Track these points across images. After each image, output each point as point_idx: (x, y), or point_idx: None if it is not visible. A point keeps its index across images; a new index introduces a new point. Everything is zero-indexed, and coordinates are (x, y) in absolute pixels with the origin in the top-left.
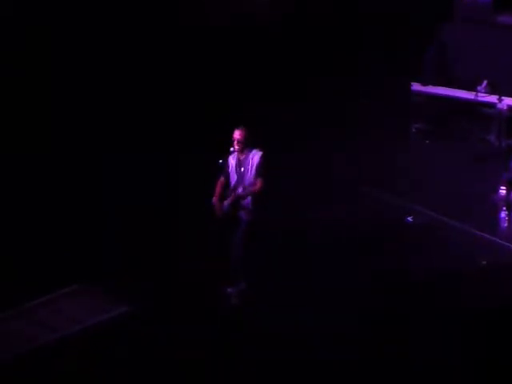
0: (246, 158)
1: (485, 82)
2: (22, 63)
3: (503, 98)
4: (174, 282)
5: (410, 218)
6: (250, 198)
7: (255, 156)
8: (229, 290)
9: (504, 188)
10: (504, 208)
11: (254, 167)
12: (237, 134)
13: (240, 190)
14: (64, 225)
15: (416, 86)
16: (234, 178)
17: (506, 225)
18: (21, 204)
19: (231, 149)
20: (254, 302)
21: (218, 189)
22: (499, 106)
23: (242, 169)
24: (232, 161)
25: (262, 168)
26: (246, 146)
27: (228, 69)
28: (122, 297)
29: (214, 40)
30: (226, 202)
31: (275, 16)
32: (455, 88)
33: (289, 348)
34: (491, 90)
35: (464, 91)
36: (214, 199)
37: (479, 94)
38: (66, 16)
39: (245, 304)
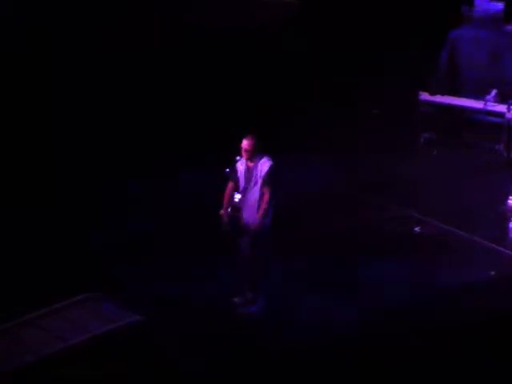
0: (255, 165)
1: (494, 92)
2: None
3: None
4: (184, 292)
5: (417, 229)
6: (255, 209)
7: (264, 165)
8: (235, 299)
9: None
10: None
11: (262, 177)
12: (245, 144)
13: (237, 199)
14: (73, 233)
15: (424, 96)
16: (242, 183)
17: None
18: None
19: (237, 157)
20: (260, 311)
21: (225, 199)
22: (508, 115)
23: (251, 176)
24: (240, 166)
25: (270, 178)
26: (254, 154)
27: (233, 75)
28: (132, 306)
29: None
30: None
31: (283, 23)
32: (464, 97)
33: (292, 358)
34: (500, 100)
35: (473, 101)
36: (222, 211)
37: (488, 104)
38: None
39: (250, 314)
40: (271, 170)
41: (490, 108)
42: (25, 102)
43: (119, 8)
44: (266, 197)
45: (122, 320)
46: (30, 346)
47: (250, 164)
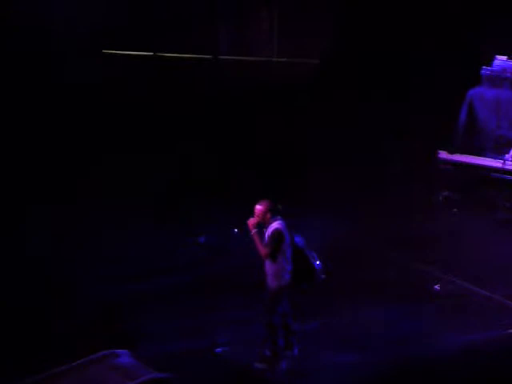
0: (267, 229)
1: None
2: None
3: None
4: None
5: (437, 286)
6: (271, 268)
7: (271, 229)
8: (257, 365)
9: None
10: None
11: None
12: (256, 209)
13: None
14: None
15: (443, 155)
16: None
17: None
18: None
19: (249, 220)
20: (279, 371)
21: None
22: None
23: (264, 239)
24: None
25: (269, 240)
26: (266, 219)
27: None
28: (150, 363)
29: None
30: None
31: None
32: (482, 156)
33: None
34: None
35: (491, 159)
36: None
37: (507, 163)
38: None
39: (268, 372)
40: (272, 234)
41: (508, 167)
42: None
43: None
44: (264, 251)
45: (143, 376)
46: None
47: (264, 228)
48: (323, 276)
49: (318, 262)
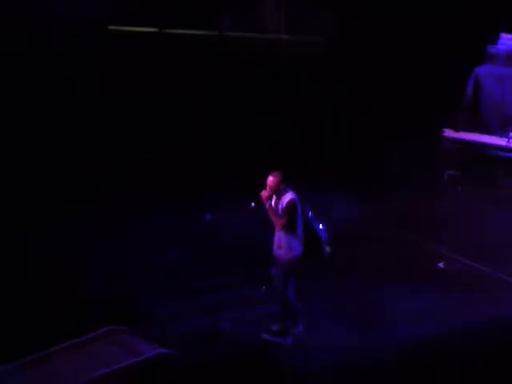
0: (280, 201)
1: None
2: None
3: None
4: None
5: (441, 264)
6: (285, 239)
7: (285, 200)
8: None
9: None
10: None
11: (282, 210)
12: (269, 180)
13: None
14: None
15: (448, 133)
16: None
17: None
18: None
19: (262, 192)
20: (288, 343)
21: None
22: None
23: (276, 211)
24: (272, 201)
25: (286, 211)
26: (278, 190)
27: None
28: (154, 339)
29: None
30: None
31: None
32: (488, 134)
33: None
34: None
35: (496, 138)
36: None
37: (511, 141)
38: None
39: (277, 345)
40: (288, 204)
41: None
42: None
43: None
44: (279, 222)
45: (148, 353)
46: (53, 381)
47: (276, 199)
48: (328, 249)
49: (324, 234)
